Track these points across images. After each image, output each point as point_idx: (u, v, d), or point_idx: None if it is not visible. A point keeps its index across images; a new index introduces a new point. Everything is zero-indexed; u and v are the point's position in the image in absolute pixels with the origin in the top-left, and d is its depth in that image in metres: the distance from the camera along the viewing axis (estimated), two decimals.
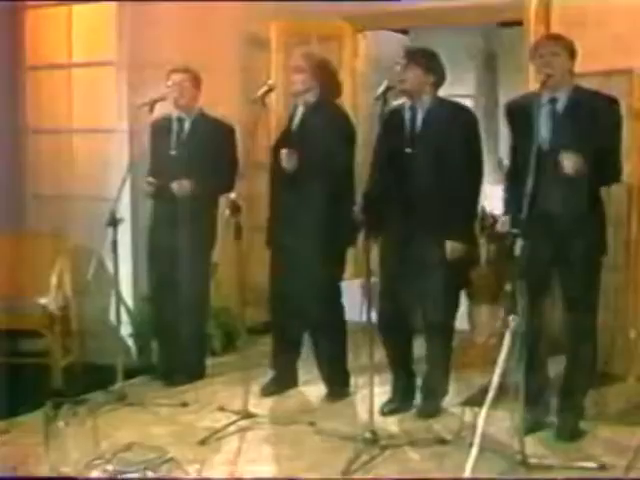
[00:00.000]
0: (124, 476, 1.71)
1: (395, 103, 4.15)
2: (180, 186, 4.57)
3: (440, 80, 4.15)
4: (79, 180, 5.37)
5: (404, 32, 8.27)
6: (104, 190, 5.13)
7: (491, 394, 2.70)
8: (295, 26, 6.04)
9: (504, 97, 9.03)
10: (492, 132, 8.76)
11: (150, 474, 1.66)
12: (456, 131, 4.04)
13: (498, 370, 2.69)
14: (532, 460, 3.45)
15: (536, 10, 5.19)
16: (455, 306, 4.33)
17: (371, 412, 3.78)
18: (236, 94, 5.82)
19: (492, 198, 7.10)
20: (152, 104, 4.53)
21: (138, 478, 1.79)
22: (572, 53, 3.81)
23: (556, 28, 5.10)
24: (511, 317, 2.90)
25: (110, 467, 1.71)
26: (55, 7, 5.36)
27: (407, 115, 4.10)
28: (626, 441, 3.69)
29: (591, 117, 3.70)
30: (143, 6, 5.20)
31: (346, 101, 6.29)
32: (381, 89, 3.83)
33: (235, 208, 3.96)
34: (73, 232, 5.23)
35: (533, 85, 4.81)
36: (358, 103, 6.35)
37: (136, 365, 5.06)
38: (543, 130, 3.72)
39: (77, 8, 5.31)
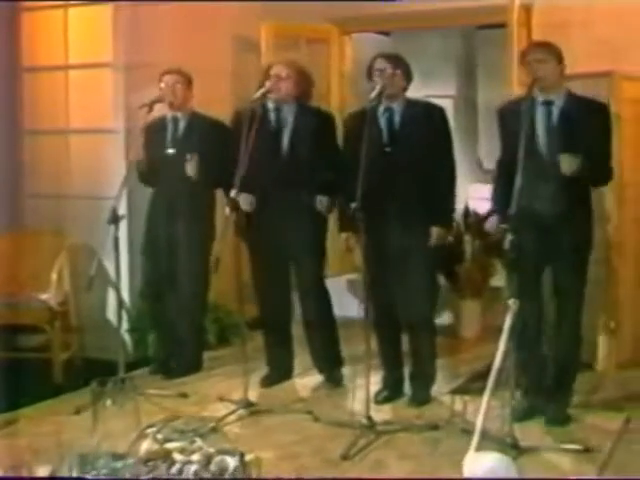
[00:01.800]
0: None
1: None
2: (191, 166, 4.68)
3: (410, 83, 4.37)
4: (76, 180, 5.50)
5: (385, 34, 8.46)
6: (101, 189, 5.28)
7: (493, 376, 2.84)
8: (284, 28, 6.18)
9: (482, 98, 9.28)
10: (471, 132, 8.97)
11: (198, 442, 1.81)
12: (432, 128, 4.30)
13: (500, 352, 2.84)
14: (522, 443, 3.63)
15: (518, 13, 5.38)
16: (436, 294, 4.58)
17: (367, 400, 3.95)
18: (227, 95, 5.97)
19: (472, 196, 7.34)
20: (151, 105, 4.65)
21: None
22: (560, 58, 4.00)
23: (537, 31, 5.31)
24: (511, 300, 3.06)
25: (160, 436, 1.85)
26: (51, 9, 5.47)
27: (383, 116, 4.29)
28: (608, 426, 3.88)
29: (585, 121, 3.90)
30: (138, 8, 5.33)
31: (333, 101, 6.49)
32: (376, 92, 4.07)
33: (235, 206, 4.11)
34: (70, 230, 5.36)
35: (517, 87, 5.05)
36: (345, 103, 6.49)
37: (132, 359, 5.19)
38: (538, 132, 3.91)
39: (73, 10, 5.43)
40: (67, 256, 5.17)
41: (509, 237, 3.59)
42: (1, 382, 4.74)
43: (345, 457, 3.63)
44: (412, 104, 4.35)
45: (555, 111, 3.96)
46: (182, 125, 4.90)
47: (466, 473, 2.31)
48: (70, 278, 5.17)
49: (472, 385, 4.62)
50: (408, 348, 4.48)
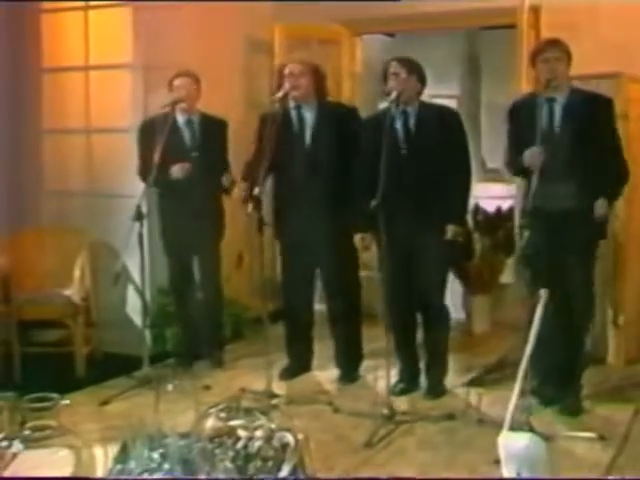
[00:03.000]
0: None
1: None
2: (182, 168, 4.80)
3: (424, 87, 4.52)
4: (95, 178, 5.61)
5: (390, 35, 8.59)
6: (119, 187, 5.40)
7: (524, 363, 2.95)
8: (297, 29, 6.30)
9: (486, 98, 9.42)
10: (475, 131, 9.10)
11: (261, 418, 1.93)
12: (446, 130, 4.42)
13: (531, 340, 2.96)
14: (537, 431, 3.75)
15: (527, 14, 5.51)
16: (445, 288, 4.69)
17: (387, 391, 4.10)
18: (239, 95, 6.10)
19: (475, 196, 7.46)
20: (173, 105, 4.77)
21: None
22: (570, 57, 4.14)
23: (545, 32, 5.44)
24: (542, 290, 3.18)
25: (224, 414, 1.97)
26: (72, 12, 5.59)
27: (399, 119, 4.42)
28: (618, 417, 4.01)
29: (590, 115, 4.04)
30: (156, 10, 5.44)
31: (344, 101, 6.59)
32: (393, 96, 4.24)
33: (257, 203, 4.23)
34: (89, 228, 5.46)
35: (526, 87, 5.18)
36: (355, 103, 6.60)
37: (151, 354, 5.29)
38: (546, 128, 4.04)
39: (93, 13, 5.55)
40: (88, 253, 5.29)
41: (525, 233, 3.72)
42: (23, 375, 4.89)
43: (368, 445, 3.78)
44: (427, 107, 4.48)
45: (560, 108, 4.10)
46: (196, 126, 5.03)
47: (501, 450, 2.45)
48: (90, 274, 5.30)
49: (485, 378, 4.78)
50: (423, 342, 4.63)
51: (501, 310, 5.93)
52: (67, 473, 1.91)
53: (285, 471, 1.94)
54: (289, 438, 2.01)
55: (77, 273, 5.14)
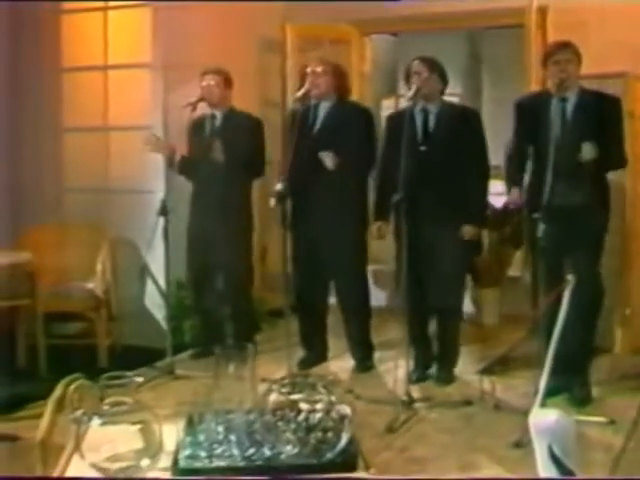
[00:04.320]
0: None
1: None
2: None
3: (446, 86, 4.67)
4: (114, 174, 5.76)
5: (393, 34, 8.74)
6: (138, 183, 5.56)
7: (552, 349, 3.09)
8: (309, 29, 6.43)
9: (487, 95, 9.56)
10: None
11: (322, 391, 2.07)
12: (466, 129, 4.57)
13: (559, 326, 3.10)
14: None
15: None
16: (464, 284, 4.91)
17: (406, 379, 4.27)
18: (252, 95, 6.24)
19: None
20: (195, 104, 4.93)
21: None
22: (580, 58, 4.31)
23: (553, 32, 5.58)
24: (569, 276, 3.32)
25: (285, 390, 2.11)
26: (91, 12, 5.73)
27: (419, 117, 4.58)
28: (626, 404, 4.14)
29: (598, 113, 4.21)
30: (173, 10, 5.58)
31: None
32: (412, 92, 4.37)
33: (281, 197, 4.38)
34: (108, 223, 5.61)
35: (534, 85, 5.34)
36: (365, 102, 6.75)
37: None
38: (555, 126, 4.19)
39: (112, 13, 5.70)
40: (108, 248, 5.44)
41: (541, 226, 3.88)
42: (48, 367, 5.03)
43: (390, 430, 3.94)
44: (448, 106, 4.64)
45: (570, 107, 4.27)
46: (219, 121, 5.18)
47: (532, 426, 2.60)
48: (110, 268, 5.44)
49: (496, 367, 4.94)
50: (436, 332, 4.80)
51: (509, 303, 6.09)
52: (139, 446, 2.06)
53: (344, 440, 2.09)
54: (346, 410, 2.16)
55: (99, 267, 5.28)
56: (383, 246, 5.11)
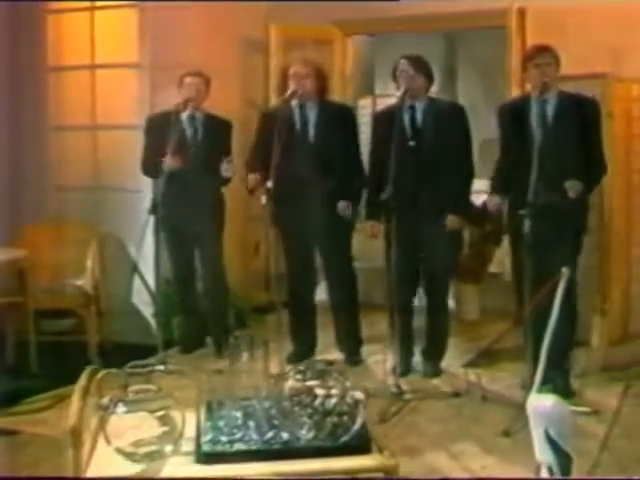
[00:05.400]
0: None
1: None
2: (176, 161, 4.90)
3: (432, 83, 4.80)
4: (101, 173, 5.82)
5: (370, 34, 8.83)
6: (124, 182, 5.62)
7: (547, 340, 3.20)
8: (292, 29, 6.52)
9: (463, 96, 9.68)
10: None
11: (337, 377, 2.16)
12: (452, 125, 4.71)
13: (554, 317, 3.21)
14: None
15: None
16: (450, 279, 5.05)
17: (394, 371, 4.41)
18: (235, 95, 6.32)
19: None
20: (185, 104, 5.00)
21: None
22: (559, 61, 4.44)
23: (533, 34, 5.71)
24: (564, 268, 3.44)
25: (300, 376, 2.21)
26: (78, 12, 5.78)
27: (407, 113, 4.69)
28: (606, 394, 4.34)
29: (578, 115, 4.35)
30: (160, 11, 5.64)
31: (336, 99, 6.83)
32: (401, 92, 4.49)
33: (271, 196, 4.46)
34: (94, 220, 5.66)
35: (515, 88, 5.48)
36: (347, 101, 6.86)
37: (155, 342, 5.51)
38: (537, 128, 4.32)
39: (99, 13, 5.75)
40: (97, 245, 5.49)
41: (527, 222, 4.01)
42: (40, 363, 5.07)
43: (382, 420, 4.05)
44: (434, 102, 4.78)
45: (550, 110, 4.40)
46: (199, 123, 5.24)
47: (530, 410, 2.73)
48: (99, 266, 5.50)
49: (481, 360, 5.09)
50: (424, 325, 4.92)
51: (489, 298, 6.24)
52: (161, 432, 2.15)
53: (359, 424, 2.19)
54: (360, 395, 2.27)
55: (89, 264, 5.34)
56: (373, 242, 5.20)
